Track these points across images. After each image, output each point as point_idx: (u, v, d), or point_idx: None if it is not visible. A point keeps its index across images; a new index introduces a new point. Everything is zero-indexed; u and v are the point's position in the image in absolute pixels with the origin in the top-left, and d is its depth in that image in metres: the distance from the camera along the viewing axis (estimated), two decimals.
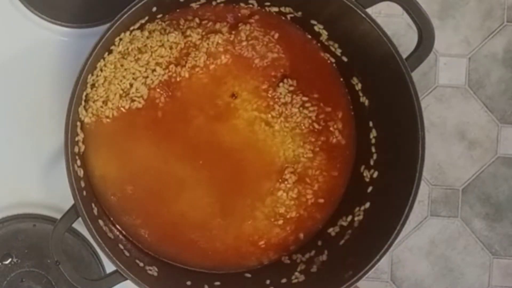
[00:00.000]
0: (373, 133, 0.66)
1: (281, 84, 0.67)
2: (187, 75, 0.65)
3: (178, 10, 0.66)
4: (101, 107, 0.64)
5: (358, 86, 0.67)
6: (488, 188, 1.33)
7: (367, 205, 0.66)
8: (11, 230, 0.70)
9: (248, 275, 0.67)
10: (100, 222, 0.62)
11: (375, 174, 0.66)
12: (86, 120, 0.64)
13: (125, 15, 0.58)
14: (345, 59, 0.67)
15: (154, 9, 0.63)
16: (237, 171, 0.66)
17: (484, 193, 1.33)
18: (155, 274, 0.64)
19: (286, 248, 0.68)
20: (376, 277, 1.32)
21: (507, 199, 1.33)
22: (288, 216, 0.67)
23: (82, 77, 0.58)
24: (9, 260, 0.70)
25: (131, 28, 0.63)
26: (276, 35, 0.67)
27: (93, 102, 0.64)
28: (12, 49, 0.70)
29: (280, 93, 0.67)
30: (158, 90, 0.65)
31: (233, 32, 0.66)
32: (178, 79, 0.65)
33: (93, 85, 0.63)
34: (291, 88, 0.67)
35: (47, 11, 0.69)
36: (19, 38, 0.70)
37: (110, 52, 0.63)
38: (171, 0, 0.64)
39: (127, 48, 0.64)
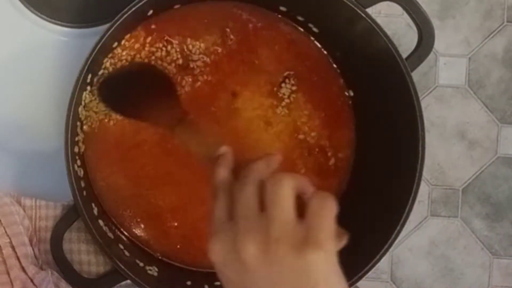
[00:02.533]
0: (373, 133, 0.66)
1: (283, 84, 0.67)
2: (187, 75, 0.65)
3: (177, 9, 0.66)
4: (102, 107, 0.64)
5: (358, 86, 0.67)
6: (488, 188, 1.33)
7: (367, 205, 0.66)
8: None
9: None
10: (100, 222, 0.62)
11: (375, 174, 0.66)
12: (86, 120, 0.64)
13: (125, 15, 0.58)
14: (345, 59, 0.67)
15: (150, 12, 0.63)
16: None
17: (484, 193, 1.33)
18: (155, 274, 0.64)
19: None
20: (376, 277, 1.32)
21: (507, 199, 1.33)
22: None
23: (82, 77, 0.58)
24: None
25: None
26: (277, 34, 0.67)
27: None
28: (12, 49, 0.70)
29: (284, 94, 0.67)
30: None
31: (234, 32, 0.66)
32: (178, 80, 0.65)
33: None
34: (294, 88, 0.67)
35: (46, 11, 0.69)
36: (19, 38, 0.69)
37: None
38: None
39: None
